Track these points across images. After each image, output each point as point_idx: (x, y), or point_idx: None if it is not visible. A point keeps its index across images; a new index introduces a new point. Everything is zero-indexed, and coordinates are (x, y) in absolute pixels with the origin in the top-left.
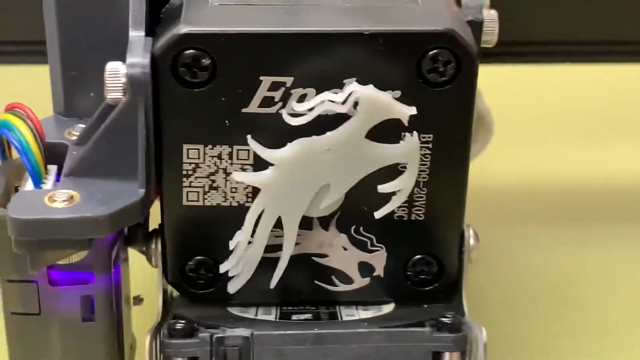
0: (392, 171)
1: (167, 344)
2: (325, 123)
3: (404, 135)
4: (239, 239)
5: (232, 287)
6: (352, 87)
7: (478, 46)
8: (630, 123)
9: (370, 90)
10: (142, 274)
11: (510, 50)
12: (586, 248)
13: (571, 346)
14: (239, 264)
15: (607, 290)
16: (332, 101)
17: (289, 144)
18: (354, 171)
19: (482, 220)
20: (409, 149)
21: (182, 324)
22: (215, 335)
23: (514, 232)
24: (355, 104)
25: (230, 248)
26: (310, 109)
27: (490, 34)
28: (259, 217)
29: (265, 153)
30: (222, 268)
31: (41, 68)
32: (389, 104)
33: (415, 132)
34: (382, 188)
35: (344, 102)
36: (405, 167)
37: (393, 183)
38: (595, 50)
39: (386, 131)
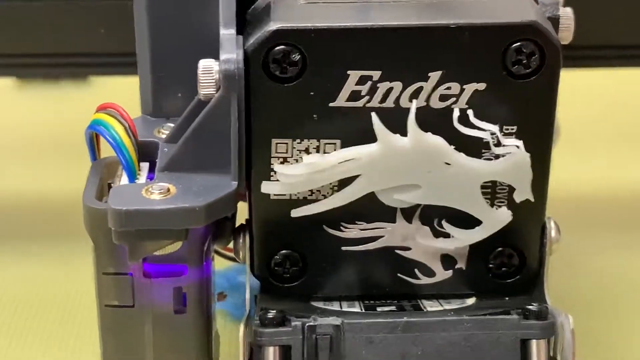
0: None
1: (260, 332)
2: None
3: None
4: (314, 160)
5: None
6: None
7: None
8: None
9: (523, 155)
10: None
11: None
12: None
13: None
14: (295, 177)
15: None
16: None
17: (426, 134)
18: (447, 196)
19: None
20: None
21: (273, 313)
22: (307, 324)
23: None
24: (502, 156)
25: (303, 161)
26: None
27: (566, 30)
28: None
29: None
30: (280, 168)
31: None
32: (527, 174)
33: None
34: None
35: (500, 146)
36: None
37: None
38: (604, 55)
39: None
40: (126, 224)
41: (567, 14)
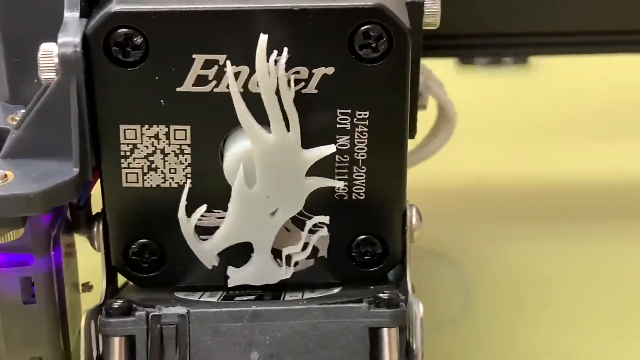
0: None
1: (104, 322)
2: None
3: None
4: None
5: None
6: None
7: (420, 27)
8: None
9: None
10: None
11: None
12: (571, 243)
13: (554, 338)
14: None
15: (590, 284)
16: None
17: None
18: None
19: (475, 218)
20: None
21: (119, 303)
22: (151, 314)
23: (506, 229)
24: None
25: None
26: None
27: (432, 16)
28: None
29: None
30: None
31: None
32: None
33: None
34: None
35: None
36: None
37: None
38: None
39: (321, 111)
40: None
41: None
